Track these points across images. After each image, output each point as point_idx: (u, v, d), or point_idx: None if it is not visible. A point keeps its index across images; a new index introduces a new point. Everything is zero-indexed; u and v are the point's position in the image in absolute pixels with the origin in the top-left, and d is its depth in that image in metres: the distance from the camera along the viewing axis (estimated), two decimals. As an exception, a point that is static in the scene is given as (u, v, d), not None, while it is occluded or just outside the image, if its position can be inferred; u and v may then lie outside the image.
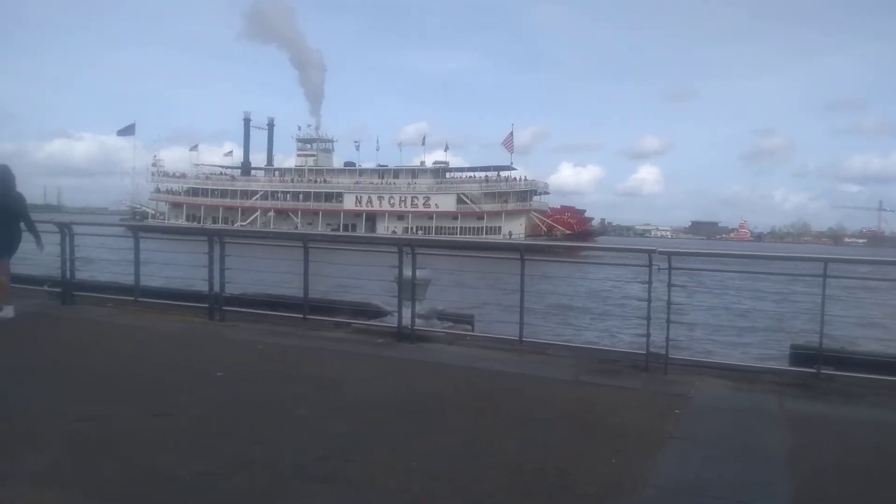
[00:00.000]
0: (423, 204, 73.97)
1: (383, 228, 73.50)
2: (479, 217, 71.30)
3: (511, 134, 72.78)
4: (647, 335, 7.03)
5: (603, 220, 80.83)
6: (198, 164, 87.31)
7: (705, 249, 10.34)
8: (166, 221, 77.49)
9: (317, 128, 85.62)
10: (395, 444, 4.63)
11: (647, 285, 7.10)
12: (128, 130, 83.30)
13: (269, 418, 5.13)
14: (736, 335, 13.45)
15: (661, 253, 7.12)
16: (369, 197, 76.44)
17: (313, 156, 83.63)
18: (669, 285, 7.00)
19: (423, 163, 78.98)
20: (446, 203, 72.98)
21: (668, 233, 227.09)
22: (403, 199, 75.08)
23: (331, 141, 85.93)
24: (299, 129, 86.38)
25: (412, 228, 72.77)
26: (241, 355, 7.45)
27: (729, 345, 13.16)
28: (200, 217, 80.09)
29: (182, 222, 77.76)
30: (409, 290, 8.18)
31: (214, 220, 78.34)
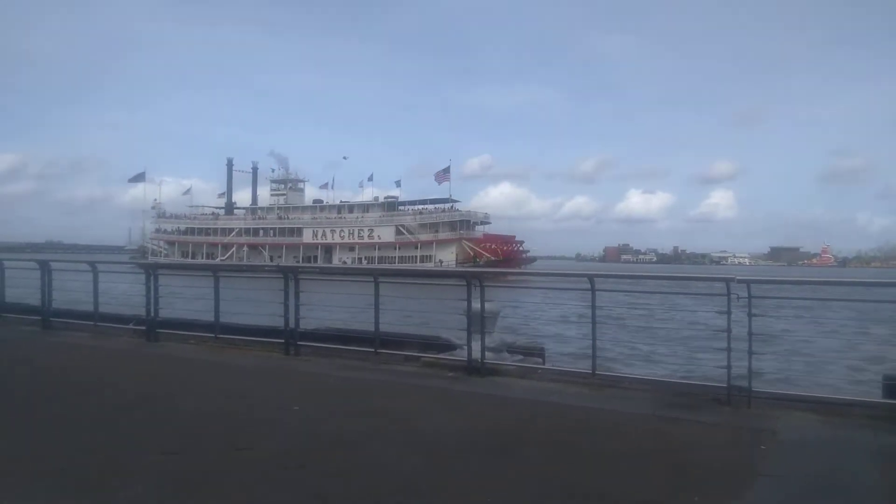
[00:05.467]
0: (368, 235, 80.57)
1: (337, 259, 79.70)
2: (416, 246, 76.94)
3: (447, 169, 77.77)
4: (728, 367, 6.75)
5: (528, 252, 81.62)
6: (192, 206, 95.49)
7: (786, 276, 9.92)
8: (162, 258, 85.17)
9: (287, 170, 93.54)
10: (468, 479, 4.60)
11: (725, 315, 6.86)
12: (138, 178, 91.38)
13: (344, 452, 5.19)
14: (822, 366, 12.80)
15: (739, 281, 6.88)
16: (324, 231, 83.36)
17: (284, 195, 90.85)
18: (750, 315, 6.73)
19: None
20: (387, 234, 79.28)
21: (746, 259, 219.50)
22: (352, 231, 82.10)
23: (301, 181, 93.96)
24: (272, 170, 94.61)
25: (360, 258, 78.92)
26: (316, 389, 7.61)
27: (815, 376, 12.53)
28: (190, 253, 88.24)
29: (178, 258, 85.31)
30: (478, 322, 8.17)
31: (203, 256, 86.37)
